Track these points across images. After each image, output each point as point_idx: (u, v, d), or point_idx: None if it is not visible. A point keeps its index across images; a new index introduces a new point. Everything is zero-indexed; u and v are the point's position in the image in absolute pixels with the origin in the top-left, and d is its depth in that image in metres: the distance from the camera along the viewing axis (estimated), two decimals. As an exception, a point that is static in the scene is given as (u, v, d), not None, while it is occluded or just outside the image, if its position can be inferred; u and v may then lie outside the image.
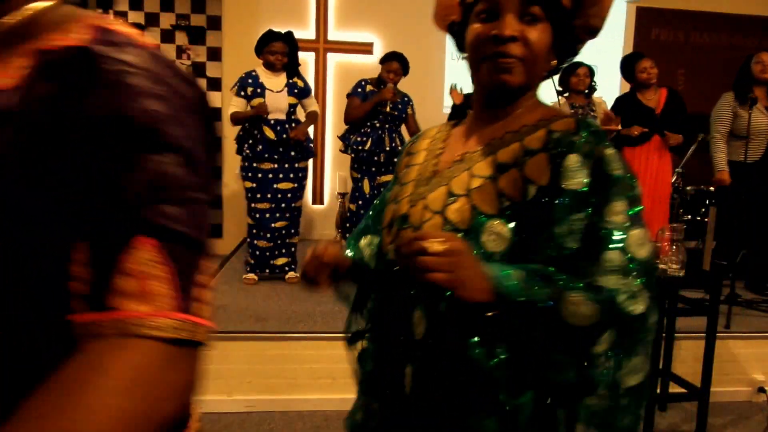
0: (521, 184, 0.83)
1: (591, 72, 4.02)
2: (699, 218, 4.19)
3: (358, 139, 3.90)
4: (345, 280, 1.13)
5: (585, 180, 0.80)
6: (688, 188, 4.34)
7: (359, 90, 3.94)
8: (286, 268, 3.86)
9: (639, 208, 0.82)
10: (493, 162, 0.86)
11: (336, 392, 2.80)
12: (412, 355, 0.89)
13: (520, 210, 0.82)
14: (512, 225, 0.82)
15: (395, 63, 3.91)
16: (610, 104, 4.22)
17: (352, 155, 3.95)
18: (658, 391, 2.78)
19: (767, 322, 3.33)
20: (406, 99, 4.04)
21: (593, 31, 0.91)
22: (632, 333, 0.80)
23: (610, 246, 0.78)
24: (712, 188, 4.24)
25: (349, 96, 3.98)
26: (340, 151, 4.15)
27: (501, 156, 0.87)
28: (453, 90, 4.11)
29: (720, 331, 2.72)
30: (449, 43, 4.37)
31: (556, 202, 0.80)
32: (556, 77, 1.07)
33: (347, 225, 4.05)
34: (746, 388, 3.10)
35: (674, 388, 2.81)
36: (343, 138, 4.01)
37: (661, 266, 2.55)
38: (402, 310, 0.90)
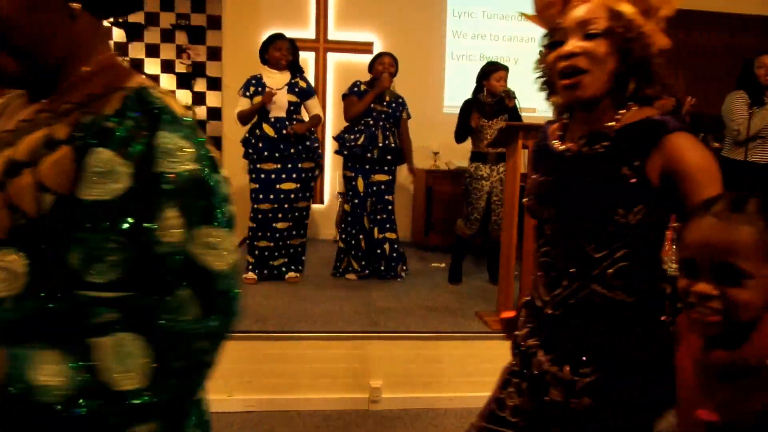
0: (35, 191, 0.58)
1: None
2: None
3: (352, 136, 3.91)
4: None
5: (117, 186, 0.58)
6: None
7: (355, 89, 3.97)
8: (284, 269, 3.86)
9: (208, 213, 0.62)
10: (8, 160, 0.61)
11: (336, 392, 2.80)
12: None
13: (37, 231, 0.58)
14: (27, 254, 0.58)
15: (386, 57, 3.94)
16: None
17: (346, 153, 3.96)
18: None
19: (767, 321, 3.33)
20: (400, 100, 4.03)
21: None
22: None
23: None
24: None
25: (346, 96, 4.01)
26: (335, 152, 4.14)
27: (19, 150, 0.61)
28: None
29: (720, 330, 2.72)
30: (449, 42, 4.38)
31: (75, 218, 0.57)
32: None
33: (342, 225, 4.04)
34: (746, 387, 3.10)
35: (674, 388, 2.80)
36: (338, 138, 4.02)
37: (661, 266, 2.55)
38: None
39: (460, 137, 4.01)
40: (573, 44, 1.03)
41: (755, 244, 0.83)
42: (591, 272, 1.05)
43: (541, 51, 1.14)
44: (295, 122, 3.75)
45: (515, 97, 3.82)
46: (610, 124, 1.06)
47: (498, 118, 3.89)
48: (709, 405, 0.89)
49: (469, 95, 4.05)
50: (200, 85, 5.34)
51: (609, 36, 1.02)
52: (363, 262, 3.98)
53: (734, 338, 0.86)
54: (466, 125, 3.94)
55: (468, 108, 3.95)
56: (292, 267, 3.87)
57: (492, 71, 3.91)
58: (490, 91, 3.89)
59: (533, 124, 3.55)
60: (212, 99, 5.35)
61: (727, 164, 4.08)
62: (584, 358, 1.07)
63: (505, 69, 3.93)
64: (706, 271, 0.85)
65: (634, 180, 1.01)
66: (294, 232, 3.84)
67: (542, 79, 1.16)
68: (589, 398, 1.06)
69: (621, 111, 1.06)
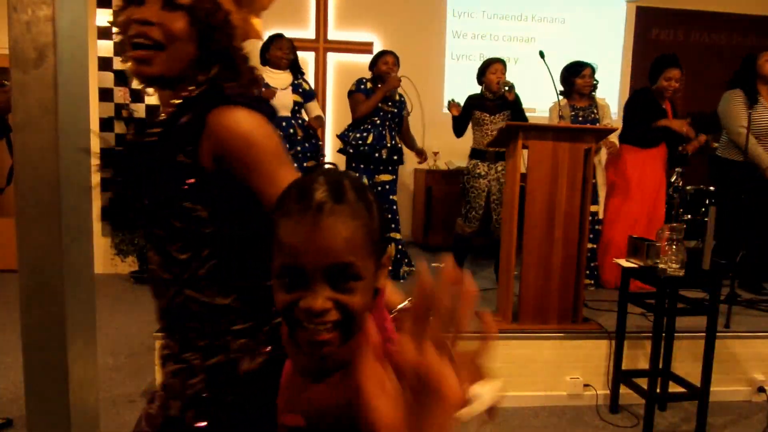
0: None
1: (593, 71, 3.91)
2: (699, 218, 4.19)
3: (357, 135, 3.91)
4: None
5: None
6: (688, 188, 4.34)
7: (362, 87, 3.96)
8: None
9: None
10: None
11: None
12: None
13: None
14: None
15: (390, 56, 3.95)
16: (610, 103, 4.18)
17: (352, 151, 3.94)
18: (658, 390, 2.78)
19: (767, 321, 3.33)
20: (402, 98, 4.04)
21: None
22: None
23: None
24: (712, 188, 4.25)
25: (352, 93, 3.98)
26: (338, 151, 4.14)
27: None
28: (451, 104, 4.05)
29: (720, 330, 2.72)
30: (449, 42, 4.39)
31: None
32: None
33: None
34: (746, 387, 3.10)
35: (674, 388, 2.81)
36: (343, 136, 4.02)
37: (661, 266, 2.55)
38: None
39: (457, 130, 4.02)
40: (149, 11, 0.90)
41: (363, 239, 0.69)
42: (183, 276, 0.94)
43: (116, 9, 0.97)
44: (300, 122, 3.79)
45: (514, 89, 3.80)
46: (173, 103, 0.94)
47: (501, 114, 3.88)
48: (296, 408, 0.78)
49: (469, 95, 4.07)
50: (200, 85, 5.34)
51: (191, 12, 0.91)
52: None
53: None
54: (465, 119, 3.96)
55: (470, 103, 3.96)
56: None
57: (487, 66, 3.93)
58: (488, 86, 3.90)
59: (534, 124, 3.56)
60: (212, 99, 5.35)
61: (724, 165, 4.07)
62: (192, 369, 0.96)
63: (501, 62, 3.93)
64: (317, 279, 0.68)
65: (191, 167, 0.89)
66: None
67: (119, 40, 0.97)
68: (194, 410, 0.95)
69: (190, 87, 0.94)
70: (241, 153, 0.88)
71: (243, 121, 0.89)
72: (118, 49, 0.96)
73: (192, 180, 0.89)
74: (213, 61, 0.94)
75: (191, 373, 0.96)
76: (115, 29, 0.96)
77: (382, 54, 4.00)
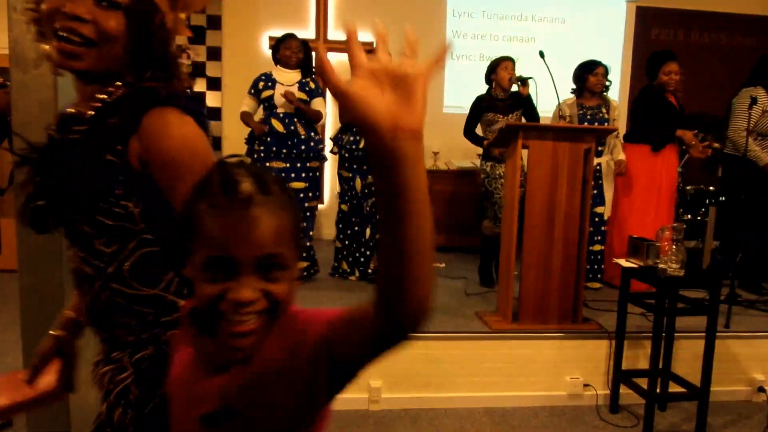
0: None
1: (606, 71, 3.87)
2: (699, 218, 4.19)
3: (351, 138, 3.92)
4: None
5: None
6: (688, 188, 4.34)
7: None
8: (304, 273, 3.86)
9: None
10: None
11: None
12: None
13: None
14: None
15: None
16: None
17: (346, 155, 3.95)
18: (658, 390, 2.78)
19: (767, 321, 3.33)
20: None
21: None
22: None
23: None
24: (712, 188, 4.25)
25: None
26: (331, 152, 4.14)
27: None
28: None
29: (720, 330, 2.72)
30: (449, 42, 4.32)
31: None
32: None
33: (340, 226, 4.04)
34: (746, 387, 3.10)
35: (674, 388, 2.81)
36: (337, 139, 4.03)
37: (661, 266, 2.55)
38: None
39: (468, 132, 3.95)
40: (82, 6, 0.86)
41: (289, 229, 0.71)
42: (107, 270, 0.93)
43: None
44: (303, 120, 3.78)
45: (528, 82, 3.72)
46: (98, 99, 0.92)
47: (514, 114, 3.83)
48: (205, 400, 0.76)
49: (469, 95, 4.04)
50: (200, 85, 5.34)
51: (128, 13, 0.89)
52: (362, 260, 3.98)
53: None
54: (474, 122, 3.92)
55: (479, 104, 3.91)
56: (312, 270, 3.88)
57: (497, 63, 3.88)
58: (500, 84, 3.85)
59: (534, 124, 3.56)
60: (212, 99, 5.35)
61: (728, 161, 4.07)
62: (121, 367, 0.95)
63: (511, 60, 3.89)
64: (247, 270, 0.68)
65: (120, 166, 0.88)
66: (311, 233, 3.86)
67: (35, 25, 0.92)
68: (121, 408, 0.93)
69: (116, 83, 0.93)
70: (163, 166, 0.88)
71: (174, 130, 0.89)
72: (36, 35, 0.93)
73: (121, 178, 0.88)
74: (146, 62, 0.93)
75: (120, 371, 0.95)
76: (29, 10, 0.91)
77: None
